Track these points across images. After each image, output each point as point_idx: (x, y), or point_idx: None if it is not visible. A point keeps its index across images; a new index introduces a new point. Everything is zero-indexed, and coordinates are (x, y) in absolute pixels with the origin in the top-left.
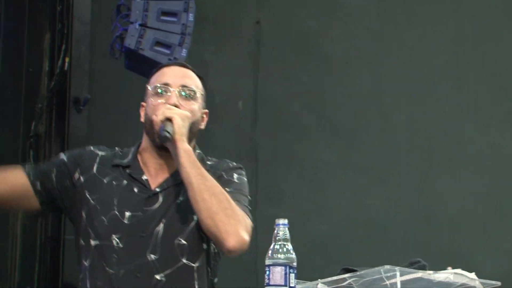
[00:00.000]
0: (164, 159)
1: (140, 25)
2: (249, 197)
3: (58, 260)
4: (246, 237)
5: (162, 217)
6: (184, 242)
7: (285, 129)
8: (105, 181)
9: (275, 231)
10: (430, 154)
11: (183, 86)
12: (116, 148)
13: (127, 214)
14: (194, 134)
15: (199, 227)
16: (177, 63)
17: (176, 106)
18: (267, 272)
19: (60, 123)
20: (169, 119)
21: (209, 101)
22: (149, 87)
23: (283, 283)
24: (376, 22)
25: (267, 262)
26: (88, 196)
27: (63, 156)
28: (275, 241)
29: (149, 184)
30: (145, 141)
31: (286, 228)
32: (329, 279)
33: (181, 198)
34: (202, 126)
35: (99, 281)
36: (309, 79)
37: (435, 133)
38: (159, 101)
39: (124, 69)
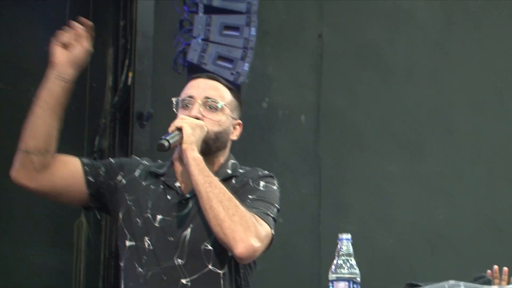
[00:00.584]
0: None
1: (203, 39)
2: (276, 205)
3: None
4: (255, 243)
5: (191, 222)
6: (210, 247)
7: (348, 142)
8: (143, 184)
9: (338, 246)
10: (496, 166)
11: (206, 97)
12: (159, 161)
13: (159, 217)
14: (222, 144)
15: None
16: (204, 75)
17: (197, 117)
18: (331, 287)
19: (123, 138)
20: (179, 129)
21: (272, 115)
22: (173, 100)
23: None
24: (439, 33)
25: (331, 277)
26: (126, 197)
27: (110, 159)
28: (339, 256)
29: (181, 190)
30: (176, 155)
31: (350, 243)
32: None
33: None
34: (234, 137)
35: (131, 281)
36: (372, 91)
37: (500, 144)
38: (184, 113)
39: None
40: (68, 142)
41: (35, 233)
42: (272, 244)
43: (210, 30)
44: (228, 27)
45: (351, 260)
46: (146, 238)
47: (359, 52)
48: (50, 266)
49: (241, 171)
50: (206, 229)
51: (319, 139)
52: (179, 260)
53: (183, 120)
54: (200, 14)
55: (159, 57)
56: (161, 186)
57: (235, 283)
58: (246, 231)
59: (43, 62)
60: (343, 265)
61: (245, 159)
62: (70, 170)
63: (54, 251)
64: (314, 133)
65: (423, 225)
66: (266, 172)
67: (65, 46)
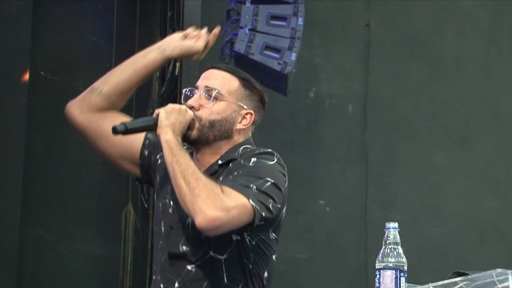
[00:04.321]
0: (200, 153)
1: (250, 29)
2: (267, 178)
3: None
4: (214, 213)
5: None
6: None
7: (395, 132)
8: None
9: (385, 235)
10: None
11: (206, 86)
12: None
13: (172, 203)
14: (224, 133)
15: None
16: (215, 66)
17: (192, 106)
18: (378, 276)
19: None
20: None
21: (319, 105)
22: (183, 91)
23: (393, 287)
24: (488, 22)
25: (378, 265)
26: (157, 179)
27: (151, 136)
28: (386, 244)
29: None
30: None
31: (397, 232)
32: (440, 282)
33: None
34: (240, 125)
35: (154, 265)
36: (420, 81)
37: None
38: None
39: None
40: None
41: (83, 223)
42: (256, 217)
43: (257, 20)
44: (275, 17)
45: (398, 248)
46: (162, 223)
47: (407, 42)
48: (98, 255)
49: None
50: None
51: (366, 128)
52: (184, 247)
53: (167, 107)
54: (248, 4)
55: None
56: None
57: (242, 268)
58: (205, 201)
59: (90, 53)
60: (390, 253)
61: (291, 148)
62: (134, 138)
63: (102, 241)
64: (361, 123)
65: (471, 214)
66: (267, 150)
67: (185, 36)
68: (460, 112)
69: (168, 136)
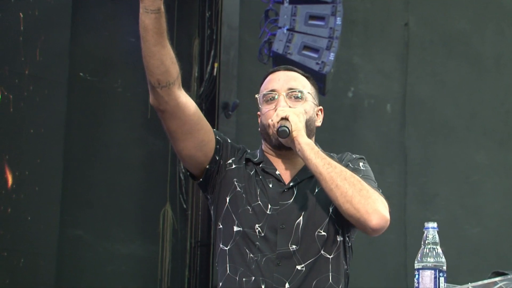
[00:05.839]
0: (288, 157)
1: (288, 29)
2: (376, 183)
3: (208, 266)
4: (386, 214)
5: (302, 210)
6: (323, 233)
7: (434, 131)
8: (248, 171)
9: (425, 234)
10: None
11: (290, 89)
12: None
13: (269, 206)
14: (311, 131)
15: (335, 219)
16: (281, 68)
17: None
18: (417, 276)
19: None
20: (284, 118)
21: (357, 104)
22: (257, 96)
23: (432, 287)
24: None
25: (417, 265)
26: (236, 183)
27: (227, 138)
28: (425, 244)
29: (282, 179)
30: (265, 148)
31: (436, 231)
32: (480, 282)
33: (316, 191)
34: (318, 123)
35: (241, 266)
36: (459, 80)
37: None
38: (270, 107)
39: None
40: (155, 134)
41: (122, 224)
42: None
43: (296, 20)
44: (313, 17)
45: (437, 248)
46: (257, 226)
47: (446, 41)
48: (136, 256)
49: (333, 155)
50: (318, 216)
51: (404, 128)
52: (294, 247)
53: (285, 110)
54: (286, 4)
55: (244, 48)
56: (260, 174)
57: (342, 269)
58: (376, 202)
59: (128, 53)
60: (429, 253)
61: (330, 148)
62: (209, 139)
63: (141, 241)
64: (399, 122)
65: (511, 214)
66: (357, 155)
67: None
68: (499, 112)
69: (307, 139)
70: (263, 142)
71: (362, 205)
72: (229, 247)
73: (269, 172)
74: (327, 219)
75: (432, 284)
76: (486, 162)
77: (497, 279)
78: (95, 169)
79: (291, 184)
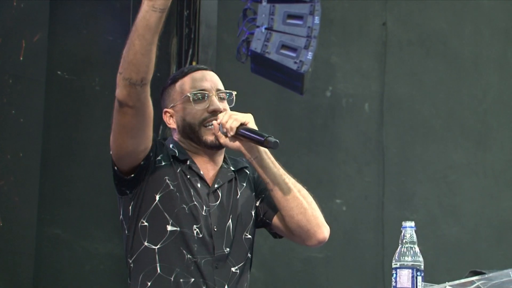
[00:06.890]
0: (212, 157)
1: (266, 28)
2: None
3: None
4: (328, 227)
5: (229, 213)
6: (249, 236)
7: (412, 131)
8: (176, 169)
9: (402, 234)
10: None
11: (218, 90)
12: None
13: (204, 207)
14: None
15: (254, 222)
16: (201, 67)
17: (221, 111)
18: (394, 275)
19: None
20: (243, 124)
21: (336, 103)
22: (188, 94)
23: (410, 286)
24: (506, 21)
25: (394, 264)
26: (168, 182)
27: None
28: (402, 243)
29: (206, 179)
30: (186, 145)
31: (413, 231)
32: (457, 282)
33: (238, 195)
34: None
35: (177, 267)
36: (437, 80)
37: None
38: (199, 107)
39: (250, 73)
40: None
41: (100, 223)
42: None
43: (274, 19)
44: (291, 16)
45: (415, 248)
46: (195, 226)
47: (424, 41)
48: (115, 255)
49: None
50: (245, 219)
51: (382, 127)
52: (227, 249)
53: (237, 115)
54: (264, 3)
55: (222, 47)
56: (187, 173)
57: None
58: (321, 217)
59: (107, 52)
60: (407, 252)
61: (308, 148)
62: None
63: (119, 240)
64: (377, 122)
65: (489, 213)
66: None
67: None
68: (477, 111)
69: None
70: (181, 138)
71: (314, 218)
72: (159, 246)
73: (195, 171)
74: (251, 223)
75: (410, 283)
76: (464, 161)
77: (474, 278)
78: (73, 167)
79: (215, 186)
